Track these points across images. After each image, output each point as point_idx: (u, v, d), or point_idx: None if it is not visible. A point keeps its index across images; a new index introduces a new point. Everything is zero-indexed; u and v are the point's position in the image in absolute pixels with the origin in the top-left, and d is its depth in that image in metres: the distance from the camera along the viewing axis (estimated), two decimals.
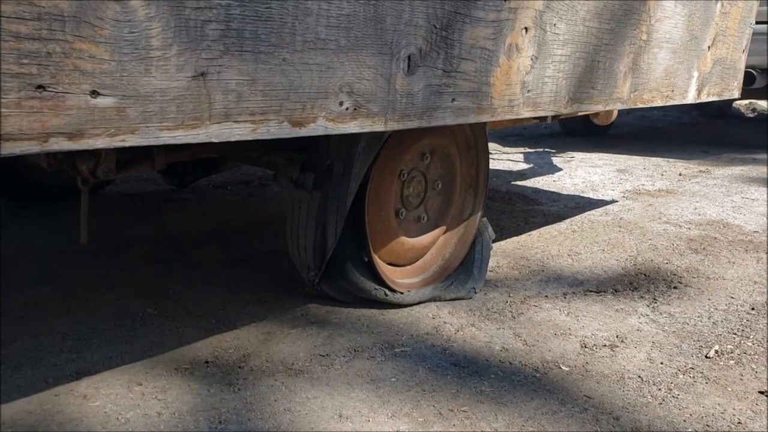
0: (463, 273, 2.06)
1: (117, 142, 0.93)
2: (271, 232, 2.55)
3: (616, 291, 2.10)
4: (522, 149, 5.09)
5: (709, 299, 2.05)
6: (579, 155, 4.88)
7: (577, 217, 3.05)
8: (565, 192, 3.65)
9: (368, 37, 1.23)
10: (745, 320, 1.90)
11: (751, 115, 8.44)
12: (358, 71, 1.23)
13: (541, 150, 5.03)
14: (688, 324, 1.86)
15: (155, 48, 0.93)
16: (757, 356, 1.68)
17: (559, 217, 3.03)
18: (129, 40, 0.90)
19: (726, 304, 2.01)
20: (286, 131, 1.14)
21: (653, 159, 4.84)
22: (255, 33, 1.04)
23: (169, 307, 1.86)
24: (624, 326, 1.84)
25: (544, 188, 3.74)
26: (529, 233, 2.76)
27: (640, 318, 1.89)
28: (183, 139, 1.00)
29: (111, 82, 0.90)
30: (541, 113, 1.77)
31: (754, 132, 6.76)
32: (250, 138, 1.09)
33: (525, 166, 4.48)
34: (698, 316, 1.92)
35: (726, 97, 2.83)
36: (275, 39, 1.08)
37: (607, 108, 2.03)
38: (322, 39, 1.15)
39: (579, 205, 3.32)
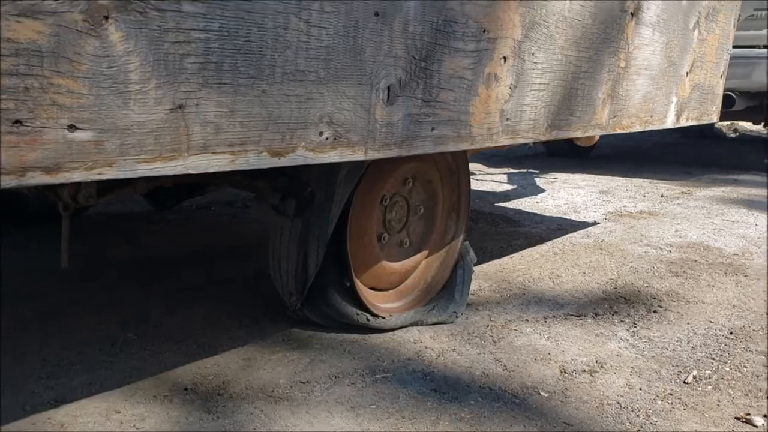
0: (444, 297, 2.07)
1: (94, 175, 0.93)
2: (254, 254, 2.55)
3: (596, 315, 2.11)
4: (506, 170, 5.12)
5: (688, 323, 2.07)
6: (562, 176, 4.93)
7: (558, 239, 3.07)
8: (547, 214, 3.68)
9: (348, 69, 1.25)
10: (723, 345, 1.91)
11: (733, 136, 8.57)
12: (337, 101, 1.25)
13: (525, 171, 5.07)
14: (667, 349, 1.88)
15: (134, 82, 0.94)
16: (734, 381, 1.70)
17: (541, 239, 3.05)
18: (107, 74, 0.91)
19: (705, 329, 2.03)
20: (266, 162, 1.15)
21: (636, 180, 4.89)
22: (234, 66, 1.06)
23: (150, 331, 1.85)
24: (604, 351, 1.85)
25: (527, 210, 3.77)
26: (511, 255, 2.77)
27: (619, 343, 1.91)
28: (161, 171, 1.00)
29: (89, 116, 0.91)
30: (520, 141, 1.79)
31: (735, 152, 6.85)
32: (228, 169, 1.10)
33: (509, 187, 4.51)
34: (677, 341, 1.93)
35: (705, 121, 2.87)
36: (254, 71, 1.09)
37: (586, 134, 2.06)
38: (301, 71, 1.16)
39: (561, 227, 3.34)
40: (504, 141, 1.73)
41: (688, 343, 1.92)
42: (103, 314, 1.95)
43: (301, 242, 1.74)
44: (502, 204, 3.96)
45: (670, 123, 2.53)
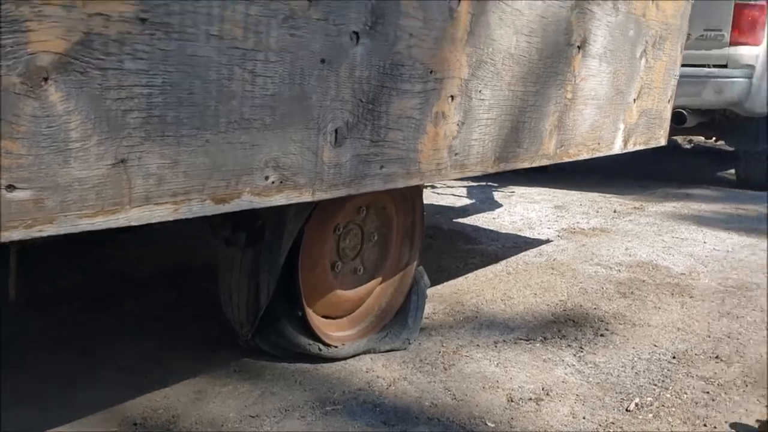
0: (398, 323, 2.10)
1: (34, 232, 0.93)
2: (210, 279, 2.54)
3: (544, 339, 2.16)
4: (465, 183, 5.19)
5: (633, 347, 2.13)
6: (519, 190, 5.00)
7: (512, 258, 3.13)
8: (503, 230, 3.74)
9: (294, 114, 1.27)
10: (665, 370, 1.98)
11: (688, 147, 8.79)
12: (284, 146, 1.27)
13: (484, 184, 5.13)
14: (611, 375, 1.94)
15: (74, 140, 0.95)
16: (674, 408, 1.76)
17: (496, 258, 3.10)
18: (47, 134, 0.92)
19: (649, 353, 2.10)
20: (209, 209, 1.17)
21: (590, 194, 5.00)
22: (177, 118, 1.07)
23: (101, 363, 1.84)
24: (550, 377, 1.90)
25: (484, 226, 3.83)
26: (466, 276, 2.82)
27: (566, 368, 1.96)
28: (102, 225, 1.01)
29: (28, 175, 0.91)
30: (469, 174, 1.83)
31: (689, 165, 7.04)
32: (171, 219, 1.11)
33: (467, 201, 4.57)
34: (622, 366, 1.99)
35: (653, 145, 2.96)
36: (198, 122, 1.10)
37: (534, 165, 2.11)
38: (246, 119, 1.18)
39: (516, 244, 3.40)
40: (453, 175, 1.77)
41: (632, 368, 1.99)
42: (53, 346, 1.93)
43: (252, 274, 1.75)
44: (460, 220, 4.01)
45: (617, 149, 2.61)
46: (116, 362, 1.85)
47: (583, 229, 3.83)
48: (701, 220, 4.17)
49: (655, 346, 2.16)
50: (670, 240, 3.62)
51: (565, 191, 5.06)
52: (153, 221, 1.08)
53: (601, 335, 2.22)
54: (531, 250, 3.29)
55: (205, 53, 1.08)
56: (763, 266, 3.17)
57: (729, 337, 2.24)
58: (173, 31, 1.02)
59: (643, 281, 2.83)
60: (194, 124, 1.10)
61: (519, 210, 4.34)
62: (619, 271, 2.97)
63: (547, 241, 3.49)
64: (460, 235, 3.55)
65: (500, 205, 4.49)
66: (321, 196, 1.38)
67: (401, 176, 1.58)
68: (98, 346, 1.93)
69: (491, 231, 3.71)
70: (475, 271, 2.88)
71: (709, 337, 2.24)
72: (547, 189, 5.09)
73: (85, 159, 0.96)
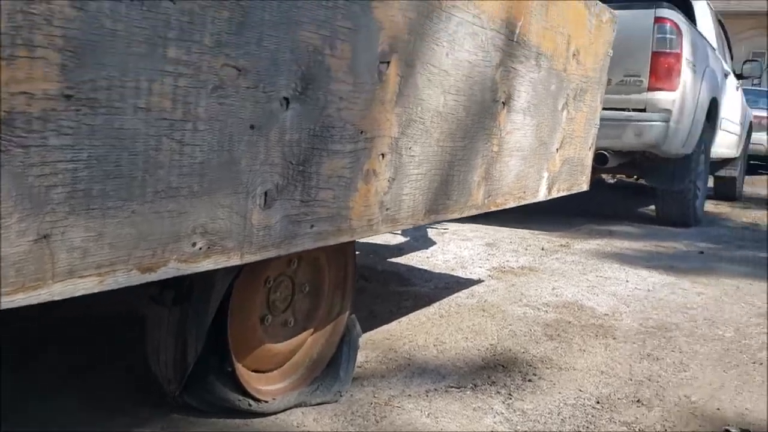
0: (329, 375, 2.10)
1: None
2: (135, 330, 2.48)
3: (475, 386, 2.20)
4: None
5: (559, 393, 2.20)
6: (453, 226, 5.09)
7: (445, 300, 3.18)
8: (436, 270, 3.80)
9: (223, 180, 1.27)
10: (590, 416, 2.04)
11: (612, 181, 9.15)
12: (212, 212, 1.27)
13: None
14: (539, 422, 1.99)
15: None
16: None
17: (429, 301, 3.14)
18: None
19: (575, 398, 2.16)
20: (135, 279, 1.16)
21: (520, 231, 5.14)
22: (103, 191, 1.06)
23: (15, 425, 1.77)
24: (480, 427, 1.93)
25: (418, 266, 3.88)
26: (399, 320, 2.84)
27: (495, 417, 2.00)
28: (23, 302, 0.99)
29: None
30: (400, 228, 1.87)
31: (612, 200, 7.33)
32: (96, 290, 1.09)
33: (402, 239, 4.62)
34: (549, 413, 2.05)
35: (575, 190, 3.09)
36: (125, 193, 1.10)
37: (463, 215, 2.17)
38: (174, 187, 1.18)
39: (448, 285, 3.46)
40: (384, 230, 1.80)
41: (558, 414, 2.04)
42: None
43: (180, 332, 1.73)
44: (395, 259, 4.05)
45: (542, 196, 2.71)
46: (37, 424, 1.78)
47: (513, 268, 3.93)
48: (624, 258, 4.35)
49: (580, 390, 2.22)
50: (595, 279, 3.75)
51: (496, 228, 5.19)
52: (77, 294, 1.06)
53: (529, 380, 2.27)
54: (463, 291, 3.35)
55: (132, 125, 1.08)
56: (680, 306, 3.32)
57: (650, 380, 2.33)
58: (100, 105, 1.02)
59: (569, 322, 2.92)
60: (120, 196, 1.09)
61: (452, 248, 4.42)
62: (547, 312, 3.06)
63: (479, 282, 3.56)
64: (394, 276, 3.58)
65: (434, 243, 4.57)
66: (250, 258, 1.39)
67: (332, 234, 1.60)
68: (17, 405, 1.86)
69: (425, 271, 3.76)
70: (408, 315, 2.91)
71: (631, 380, 2.33)
72: (479, 225, 5.21)
73: (6, 237, 0.94)
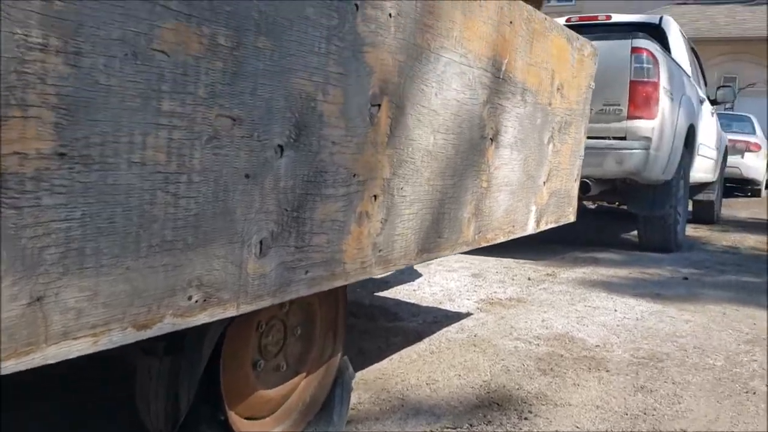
0: (323, 419, 2.06)
1: None
2: (124, 375, 2.42)
3: (471, 426, 2.17)
4: None
5: (557, 430, 2.17)
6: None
7: (435, 335, 3.15)
8: (424, 303, 3.77)
9: (218, 231, 1.25)
10: None
11: (593, 206, 9.21)
12: (207, 264, 1.24)
13: None
14: None
15: None
16: None
17: (418, 336, 3.11)
18: None
19: None
20: (131, 336, 1.12)
21: (505, 260, 5.14)
22: (97, 249, 1.03)
23: None
24: None
25: (405, 299, 3.85)
26: (390, 357, 2.81)
27: None
28: (15, 368, 0.95)
29: None
30: (393, 269, 1.85)
31: (594, 226, 7.37)
32: (91, 351, 1.06)
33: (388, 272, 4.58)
34: None
35: (563, 222, 3.09)
36: (119, 250, 1.07)
37: (455, 252, 2.16)
38: (168, 241, 1.15)
39: (437, 319, 3.43)
40: (377, 272, 1.78)
41: None
42: None
43: (171, 382, 1.68)
44: (381, 293, 4.02)
45: (530, 230, 2.71)
46: None
47: (501, 300, 3.92)
48: (610, 287, 4.36)
49: (577, 427, 2.20)
50: (584, 309, 3.75)
51: (481, 258, 5.18)
52: (71, 356, 1.03)
53: (525, 418, 2.25)
54: (452, 325, 3.33)
55: (126, 181, 1.06)
56: (670, 334, 3.33)
57: (645, 414, 2.32)
58: (94, 162, 1.00)
59: (561, 356, 2.90)
60: (114, 253, 1.06)
61: (438, 280, 4.41)
62: (538, 345, 3.04)
63: (468, 315, 3.54)
64: (382, 311, 3.55)
65: (420, 275, 4.55)
66: (246, 308, 1.36)
67: (326, 279, 1.58)
68: None
69: (412, 305, 3.74)
70: (399, 352, 2.88)
71: (627, 414, 2.31)
72: (464, 256, 5.19)
73: None
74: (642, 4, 20.96)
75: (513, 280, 4.52)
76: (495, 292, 4.11)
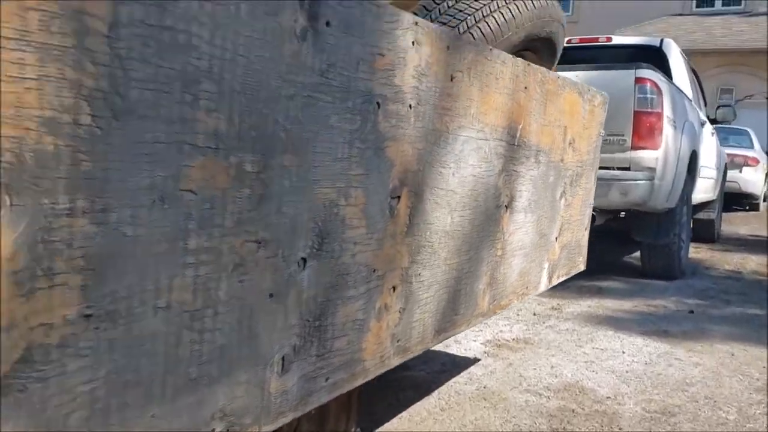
0: None
1: None
2: None
3: None
4: None
5: None
6: None
7: (444, 387, 3.12)
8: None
9: (242, 358, 1.21)
10: None
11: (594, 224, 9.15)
12: (230, 392, 1.20)
13: None
14: None
15: None
16: None
17: (427, 389, 3.07)
18: None
19: None
20: None
21: None
22: (123, 403, 0.99)
23: None
24: None
25: None
26: (400, 416, 2.77)
27: None
28: None
29: None
30: (411, 356, 1.81)
31: (596, 249, 7.33)
32: None
33: None
34: None
35: (574, 272, 3.06)
36: (143, 399, 1.03)
37: (470, 326, 2.12)
38: (193, 379, 1.11)
39: (445, 367, 3.40)
40: (396, 362, 1.74)
41: None
42: None
43: None
44: None
45: (543, 287, 2.68)
46: None
47: (507, 341, 3.88)
48: (617, 324, 4.33)
49: None
50: (591, 352, 3.72)
51: None
52: None
53: None
54: (461, 374, 3.29)
55: (152, 328, 1.02)
56: (680, 382, 3.30)
57: None
58: (120, 317, 0.96)
59: (573, 410, 2.87)
60: (140, 403, 1.02)
61: None
62: (549, 398, 3.01)
63: (475, 361, 3.50)
64: None
65: None
66: (267, 428, 1.32)
67: (346, 381, 1.54)
68: None
69: None
70: (409, 409, 2.84)
71: None
72: None
73: None
74: (638, 15, 21.01)
75: (518, 315, 4.49)
76: (501, 331, 4.08)
